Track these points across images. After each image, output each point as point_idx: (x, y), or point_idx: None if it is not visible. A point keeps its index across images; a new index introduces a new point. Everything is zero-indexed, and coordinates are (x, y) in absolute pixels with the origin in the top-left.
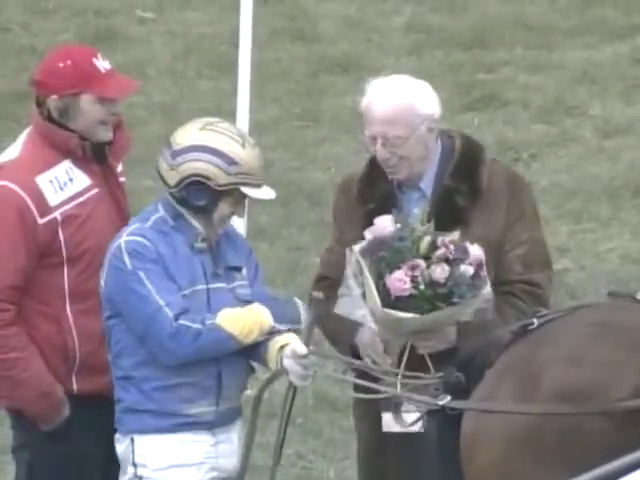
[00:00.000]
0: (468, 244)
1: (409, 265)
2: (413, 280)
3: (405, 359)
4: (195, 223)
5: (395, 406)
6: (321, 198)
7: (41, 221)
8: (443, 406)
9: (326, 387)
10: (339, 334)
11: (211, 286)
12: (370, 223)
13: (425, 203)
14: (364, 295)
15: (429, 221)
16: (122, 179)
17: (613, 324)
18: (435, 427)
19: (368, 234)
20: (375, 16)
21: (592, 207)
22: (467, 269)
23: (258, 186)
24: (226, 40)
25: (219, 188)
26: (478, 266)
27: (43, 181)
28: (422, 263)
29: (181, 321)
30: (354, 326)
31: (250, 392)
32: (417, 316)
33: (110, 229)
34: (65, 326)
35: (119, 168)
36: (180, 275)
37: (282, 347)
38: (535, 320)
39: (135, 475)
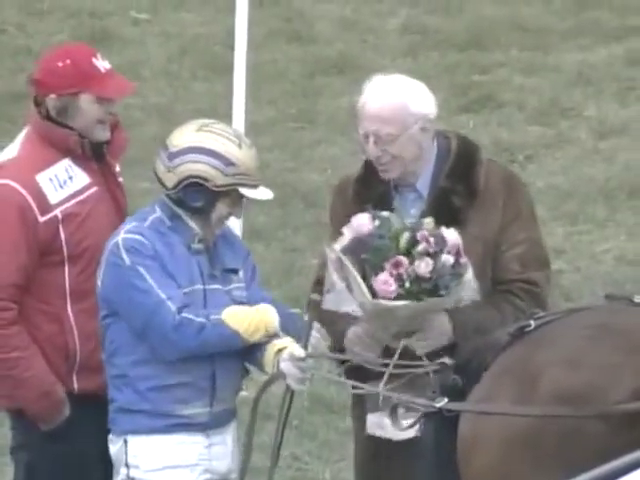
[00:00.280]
0: (443, 230)
1: (392, 263)
2: (398, 279)
3: (399, 352)
4: (192, 224)
5: (392, 409)
6: (317, 199)
7: (42, 219)
8: (440, 408)
9: (322, 389)
10: (335, 334)
11: (208, 287)
12: None
13: (421, 204)
14: (349, 288)
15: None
16: (120, 179)
17: (611, 327)
18: (432, 430)
19: (346, 232)
20: (371, 17)
21: (588, 208)
22: (448, 259)
23: (255, 186)
24: (221, 41)
25: (217, 189)
26: (457, 253)
27: (43, 179)
28: (405, 260)
29: (184, 314)
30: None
31: (246, 393)
32: (407, 303)
33: (109, 228)
34: (66, 325)
35: (117, 168)
36: (178, 274)
37: (279, 350)
38: (532, 322)
39: (128, 477)
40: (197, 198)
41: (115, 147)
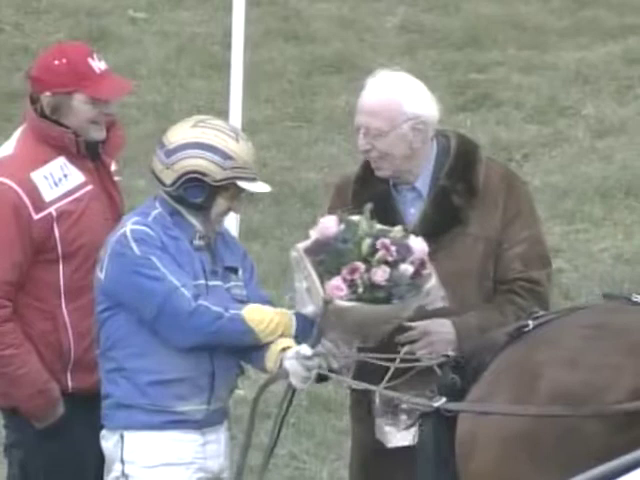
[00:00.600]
0: (411, 239)
1: (349, 269)
2: (351, 285)
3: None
4: (193, 221)
5: (393, 409)
6: (314, 198)
7: (36, 217)
8: (438, 408)
9: (320, 388)
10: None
11: (210, 283)
12: None
13: (421, 203)
14: (308, 290)
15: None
16: (117, 178)
17: (609, 326)
18: (431, 430)
19: (312, 233)
20: (368, 16)
21: (585, 207)
22: (407, 268)
23: (253, 180)
24: (218, 40)
25: (216, 183)
26: (420, 264)
27: (38, 177)
28: (362, 266)
29: (201, 301)
30: None
31: (243, 392)
32: (358, 305)
33: (104, 226)
34: (60, 323)
35: (113, 167)
36: (184, 267)
37: (284, 349)
38: (530, 322)
39: (122, 473)
40: (197, 194)
41: (111, 146)
